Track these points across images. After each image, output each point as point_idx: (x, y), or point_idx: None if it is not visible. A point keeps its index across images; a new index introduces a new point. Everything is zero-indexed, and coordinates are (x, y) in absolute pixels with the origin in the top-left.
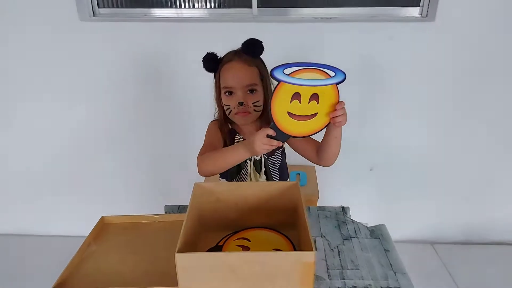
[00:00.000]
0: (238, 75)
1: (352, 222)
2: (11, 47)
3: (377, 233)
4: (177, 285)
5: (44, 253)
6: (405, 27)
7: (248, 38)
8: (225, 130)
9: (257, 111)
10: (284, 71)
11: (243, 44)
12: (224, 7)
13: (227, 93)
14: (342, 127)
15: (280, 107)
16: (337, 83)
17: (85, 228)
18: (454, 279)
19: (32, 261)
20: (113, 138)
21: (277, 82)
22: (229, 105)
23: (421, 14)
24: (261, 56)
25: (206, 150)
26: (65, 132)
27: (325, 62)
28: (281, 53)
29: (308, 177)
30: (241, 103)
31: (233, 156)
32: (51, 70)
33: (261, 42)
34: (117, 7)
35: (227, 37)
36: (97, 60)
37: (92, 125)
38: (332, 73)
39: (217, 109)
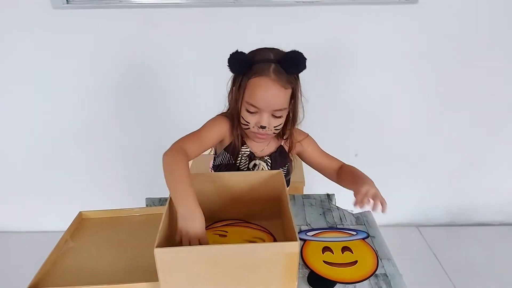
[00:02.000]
0: (270, 98)
1: (338, 209)
2: None
3: (362, 219)
4: (157, 280)
5: (22, 249)
6: (388, 10)
7: (291, 50)
8: (235, 134)
9: (275, 133)
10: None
11: (283, 57)
12: None
13: (250, 110)
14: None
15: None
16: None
17: (64, 223)
18: (439, 261)
19: (9, 258)
20: (92, 130)
21: None
22: (249, 123)
23: None
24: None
25: (190, 144)
26: (41, 125)
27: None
28: (263, 38)
29: (294, 165)
30: (263, 127)
31: (172, 193)
32: (23, 61)
33: (304, 58)
34: None
35: (208, 22)
36: (71, 49)
37: (70, 117)
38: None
39: (229, 109)
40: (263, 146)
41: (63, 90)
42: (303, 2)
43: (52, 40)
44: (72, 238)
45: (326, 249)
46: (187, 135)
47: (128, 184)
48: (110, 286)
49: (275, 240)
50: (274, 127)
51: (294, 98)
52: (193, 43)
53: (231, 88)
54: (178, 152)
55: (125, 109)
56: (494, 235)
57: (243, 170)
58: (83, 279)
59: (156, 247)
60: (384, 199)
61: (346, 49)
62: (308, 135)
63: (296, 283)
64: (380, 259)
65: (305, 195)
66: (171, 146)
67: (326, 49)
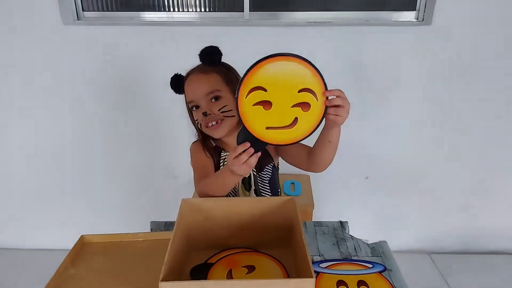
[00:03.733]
0: (196, 86)
1: (352, 238)
2: None
3: (378, 251)
4: None
5: (21, 267)
6: (400, 32)
7: (206, 46)
8: (209, 148)
9: (228, 116)
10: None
11: (199, 54)
12: (215, 10)
13: (194, 108)
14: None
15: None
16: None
17: (65, 242)
18: None
19: (9, 275)
20: (97, 148)
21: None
22: (197, 119)
23: (417, 19)
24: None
25: (201, 176)
26: (47, 142)
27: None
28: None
29: (302, 187)
30: (204, 114)
31: (226, 182)
32: (33, 75)
33: (217, 48)
34: (103, 10)
35: (218, 40)
36: (81, 65)
37: (76, 133)
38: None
39: (195, 130)
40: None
41: (73, 106)
42: (315, 22)
43: (62, 56)
44: (72, 264)
45: (340, 283)
46: (195, 177)
47: (132, 204)
48: None
49: (286, 271)
50: (219, 110)
51: (231, 82)
52: None
53: (187, 110)
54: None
55: (132, 127)
56: (508, 263)
57: None
58: None
59: (161, 281)
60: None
61: (357, 70)
62: None
63: None
64: None
65: (316, 222)
66: (196, 191)
67: (337, 69)
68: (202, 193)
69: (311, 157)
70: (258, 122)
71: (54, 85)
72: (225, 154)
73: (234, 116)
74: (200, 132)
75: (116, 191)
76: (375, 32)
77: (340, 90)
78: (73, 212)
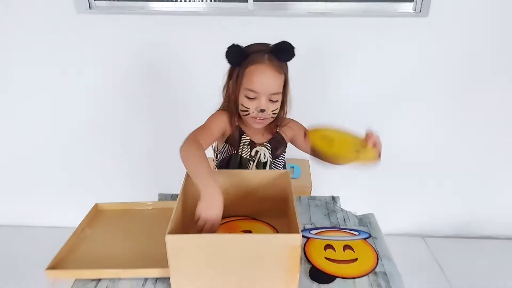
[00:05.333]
0: (267, 82)
1: (342, 210)
2: (6, 40)
3: (365, 221)
4: (167, 267)
5: (37, 244)
6: (398, 23)
7: (281, 41)
8: (234, 125)
9: (273, 118)
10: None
11: (275, 46)
12: (220, 1)
13: (248, 96)
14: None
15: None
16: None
17: (78, 218)
18: (444, 272)
19: (26, 252)
20: (109, 129)
21: None
22: (249, 108)
23: (414, 10)
24: None
25: (202, 135)
26: (60, 124)
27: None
28: None
29: (302, 171)
30: (262, 110)
31: (194, 177)
32: (47, 62)
33: (293, 47)
34: (114, 0)
35: (223, 30)
36: (94, 52)
37: (87, 117)
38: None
39: (226, 102)
40: (260, 134)
41: (82, 90)
42: (315, 13)
43: (75, 43)
44: (88, 227)
45: (328, 246)
46: (196, 128)
47: (142, 182)
48: (123, 270)
49: None
50: (272, 111)
51: (286, 85)
52: (208, 49)
53: (227, 82)
54: (193, 142)
55: (142, 109)
56: (500, 249)
57: (246, 159)
58: (98, 264)
59: (168, 233)
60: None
61: (356, 60)
62: (291, 119)
63: (298, 275)
64: (380, 258)
65: (311, 196)
66: (185, 139)
67: (337, 59)
68: (182, 153)
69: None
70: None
71: (67, 71)
72: (245, 138)
73: (275, 118)
74: (232, 107)
75: (127, 170)
76: (374, 23)
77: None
78: (84, 190)
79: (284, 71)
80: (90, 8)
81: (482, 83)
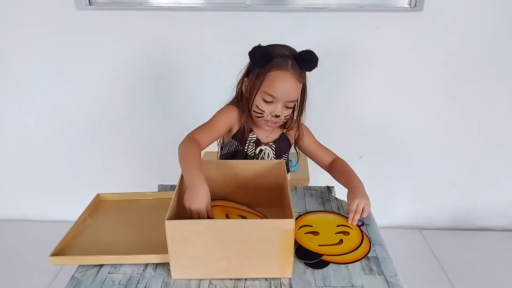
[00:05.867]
0: (287, 90)
1: (336, 200)
2: (6, 36)
3: (358, 210)
4: (166, 253)
5: (39, 237)
6: (393, 17)
7: (306, 49)
8: (243, 121)
9: (284, 122)
10: None
11: (299, 55)
12: None
13: (266, 99)
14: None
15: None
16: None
17: (80, 212)
18: (441, 264)
19: (28, 246)
20: (110, 124)
21: None
22: (264, 112)
23: (409, 4)
24: None
25: (203, 134)
26: (61, 119)
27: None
28: (273, 42)
29: (299, 164)
30: (277, 116)
31: (183, 170)
32: (47, 58)
33: (317, 58)
34: None
35: (221, 25)
36: (93, 48)
37: (89, 112)
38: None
39: (238, 97)
40: (268, 133)
41: (83, 86)
42: (312, 8)
43: (75, 40)
44: (90, 216)
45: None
46: (199, 126)
47: (143, 175)
48: (123, 256)
49: None
50: (285, 116)
51: (303, 91)
52: (207, 44)
53: (243, 78)
54: (191, 141)
55: (142, 104)
56: (496, 240)
57: (250, 156)
58: (100, 250)
59: (167, 219)
60: (369, 206)
61: (353, 55)
62: (301, 123)
63: (292, 258)
64: (373, 244)
65: (306, 186)
66: (185, 137)
67: (334, 54)
68: (180, 148)
69: (331, 171)
70: (312, 243)
71: (67, 67)
72: (253, 136)
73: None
74: (245, 104)
75: (126, 162)
76: (369, 17)
77: (357, 211)
78: (84, 183)
79: (303, 80)
80: (89, 4)
81: (478, 77)
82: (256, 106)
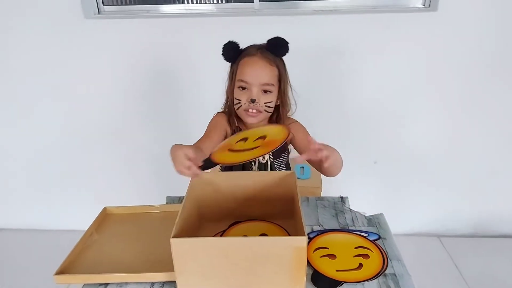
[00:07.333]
0: (257, 72)
1: (350, 211)
2: (15, 45)
3: (374, 221)
4: (173, 270)
5: (48, 247)
6: (407, 18)
7: (275, 36)
8: (233, 125)
9: (267, 111)
10: None
11: (268, 41)
12: (226, 2)
13: (240, 88)
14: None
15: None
16: None
17: (88, 222)
18: (461, 272)
19: (35, 255)
20: (118, 133)
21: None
22: (240, 100)
23: (423, 5)
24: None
25: (203, 144)
26: (68, 127)
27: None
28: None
29: (312, 171)
30: (253, 100)
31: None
32: (55, 67)
33: (287, 42)
34: (122, 4)
35: (230, 31)
36: (102, 57)
37: (97, 120)
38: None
39: (227, 101)
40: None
41: (92, 95)
42: (322, 11)
43: (83, 49)
44: (96, 231)
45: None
46: (198, 140)
47: (151, 185)
48: (129, 275)
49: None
50: (265, 103)
51: (282, 81)
52: (216, 50)
53: (227, 83)
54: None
55: (151, 113)
56: None
57: None
58: (105, 268)
59: (173, 237)
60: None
61: (365, 57)
62: (296, 120)
63: (305, 278)
64: (390, 260)
65: (319, 197)
66: None
67: (346, 57)
68: None
69: (321, 168)
70: (329, 268)
71: (75, 75)
72: None
73: (271, 112)
74: (231, 107)
75: (135, 172)
76: (383, 19)
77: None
78: (93, 193)
79: (276, 64)
80: (98, 13)
81: (494, 78)
82: (235, 98)
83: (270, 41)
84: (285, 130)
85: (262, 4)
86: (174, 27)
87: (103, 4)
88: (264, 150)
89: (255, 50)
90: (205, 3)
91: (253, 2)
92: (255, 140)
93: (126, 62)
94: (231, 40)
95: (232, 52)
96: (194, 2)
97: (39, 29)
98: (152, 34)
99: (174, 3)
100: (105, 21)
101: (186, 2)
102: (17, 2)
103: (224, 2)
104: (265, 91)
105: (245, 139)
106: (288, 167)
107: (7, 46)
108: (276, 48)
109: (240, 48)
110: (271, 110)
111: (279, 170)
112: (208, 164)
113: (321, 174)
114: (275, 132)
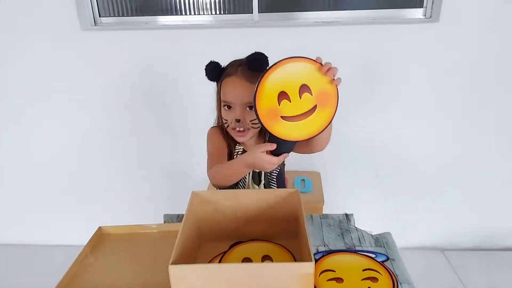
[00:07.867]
0: (238, 92)
1: (356, 230)
2: (12, 57)
3: (381, 241)
4: None
5: (42, 262)
6: (408, 29)
7: (254, 52)
8: (227, 137)
9: (254, 128)
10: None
11: (247, 58)
12: (225, 13)
13: (226, 107)
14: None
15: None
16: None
17: (85, 237)
18: (465, 286)
19: (30, 272)
20: (115, 147)
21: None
22: (227, 120)
23: (425, 15)
24: None
25: (214, 161)
26: (65, 141)
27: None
28: (282, 57)
29: (313, 184)
30: (238, 120)
31: (239, 172)
32: (52, 79)
33: (266, 57)
34: (119, 15)
35: (229, 42)
36: (99, 69)
37: (94, 134)
38: None
39: (217, 118)
40: (252, 142)
41: (91, 108)
42: (323, 22)
43: (80, 61)
44: (91, 253)
45: (282, 96)
46: (208, 161)
47: (147, 201)
48: None
49: (294, 259)
50: (250, 121)
51: None
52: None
53: (215, 97)
54: (215, 164)
55: (150, 127)
56: None
57: None
58: None
59: (171, 264)
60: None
61: (366, 69)
62: None
63: None
64: (400, 283)
65: (323, 215)
66: (207, 170)
67: (346, 69)
68: (214, 178)
69: (310, 142)
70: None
71: (73, 88)
72: (239, 147)
73: (259, 127)
74: (221, 120)
75: (132, 188)
76: (384, 30)
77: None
78: (90, 208)
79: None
80: (95, 25)
81: (497, 89)
82: (222, 117)
83: (249, 57)
84: (319, 70)
85: (261, 15)
86: (173, 39)
87: (100, 16)
88: (328, 111)
89: (235, 69)
90: (204, 14)
91: (252, 13)
92: (299, 94)
93: (123, 74)
94: (212, 60)
95: (214, 72)
96: (193, 13)
97: (36, 40)
98: (150, 46)
99: (172, 14)
100: (102, 32)
101: (184, 13)
102: (13, 14)
103: (222, 13)
104: (250, 108)
105: (284, 95)
106: (281, 178)
107: (3, 58)
108: (255, 64)
109: (222, 67)
110: (258, 126)
111: (271, 178)
112: (285, 147)
113: (322, 188)
114: (314, 77)
